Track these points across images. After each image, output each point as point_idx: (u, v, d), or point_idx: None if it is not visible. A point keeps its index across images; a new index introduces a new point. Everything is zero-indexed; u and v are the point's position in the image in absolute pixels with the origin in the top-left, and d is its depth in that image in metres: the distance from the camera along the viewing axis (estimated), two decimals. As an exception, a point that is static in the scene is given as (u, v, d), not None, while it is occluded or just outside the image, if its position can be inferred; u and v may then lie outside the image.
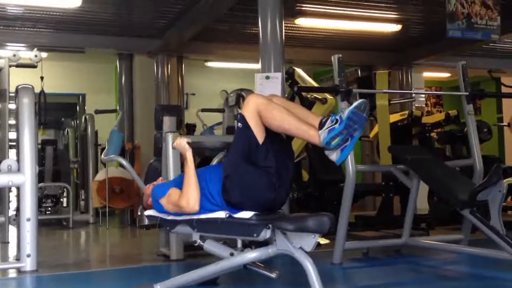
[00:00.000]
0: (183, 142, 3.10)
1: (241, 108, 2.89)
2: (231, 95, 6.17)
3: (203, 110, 7.79)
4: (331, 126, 2.66)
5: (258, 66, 5.58)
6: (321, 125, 2.69)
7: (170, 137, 4.52)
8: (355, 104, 2.67)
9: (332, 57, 4.35)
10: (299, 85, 6.05)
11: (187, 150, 3.05)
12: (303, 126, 2.73)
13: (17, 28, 7.76)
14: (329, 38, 8.86)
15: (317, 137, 2.68)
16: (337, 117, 2.67)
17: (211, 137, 5.96)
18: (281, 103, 2.87)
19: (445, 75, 12.02)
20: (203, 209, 2.91)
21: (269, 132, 2.80)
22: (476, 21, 5.94)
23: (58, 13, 7.18)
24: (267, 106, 2.77)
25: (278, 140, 2.87)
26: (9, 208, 6.15)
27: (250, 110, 2.77)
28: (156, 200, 3.10)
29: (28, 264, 4.24)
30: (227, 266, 2.94)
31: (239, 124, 2.81)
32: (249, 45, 8.11)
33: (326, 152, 2.72)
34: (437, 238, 4.92)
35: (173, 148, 3.24)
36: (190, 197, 2.91)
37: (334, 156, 2.70)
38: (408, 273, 4.22)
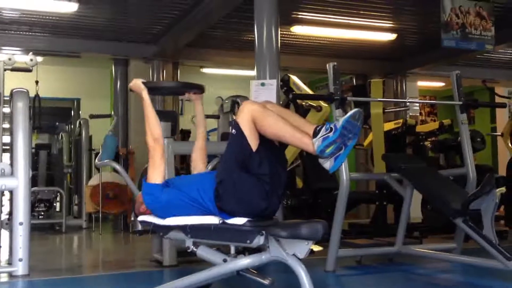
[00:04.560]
0: (138, 81, 3.24)
1: (235, 115, 2.89)
2: (226, 101, 6.18)
3: (198, 116, 7.77)
4: (326, 134, 2.66)
5: (253, 73, 5.59)
6: (315, 133, 2.70)
7: (165, 143, 4.51)
8: (350, 113, 2.67)
9: (327, 65, 4.37)
10: (294, 92, 6.07)
11: (142, 90, 3.20)
12: (297, 134, 2.73)
13: (12, 32, 7.76)
14: (325, 46, 8.90)
15: (311, 145, 2.69)
16: (332, 126, 2.67)
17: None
18: (276, 110, 2.87)
19: (440, 84, 12.08)
20: (195, 205, 2.90)
21: (263, 139, 2.80)
22: (470, 31, 5.99)
23: (54, 18, 7.19)
24: (261, 113, 2.77)
25: (271, 147, 2.87)
26: (1, 212, 6.13)
27: (244, 117, 2.77)
28: (144, 188, 3.08)
29: (20, 268, 4.22)
30: (220, 273, 2.93)
31: (233, 130, 2.81)
32: (244, 52, 8.15)
33: (320, 161, 2.72)
34: (430, 246, 4.92)
35: (130, 90, 3.30)
36: (153, 130, 3.11)
37: (328, 164, 2.71)
38: (401, 281, 4.22)
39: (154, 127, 3.11)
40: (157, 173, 3.02)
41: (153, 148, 3.07)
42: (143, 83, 3.23)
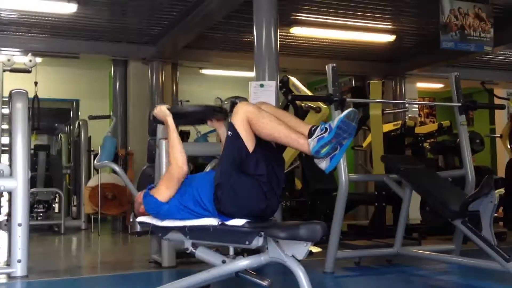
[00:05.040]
0: (163, 108, 3.15)
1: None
2: (225, 102, 6.17)
3: (197, 117, 7.78)
4: (321, 135, 2.67)
5: (252, 74, 5.59)
6: (310, 134, 2.70)
7: (163, 144, 4.52)
8: (344, 113, 2.67)
9: (326, 67, 4.37)
10: (293, 93, 6.07)
11: (167, 116, 3.10)
12: (292, 135, 2.73)
13: (11, 32, 7.75)
14: (324, 48, 8.90)
15: (307, 145, 2.69)
16: (327, 126, 2.68)
17: (204, 144, 5.96)
18: (271, 111, 2.87)
19: (438, 86, 12.09)
20: (194, 213, 2.91)
21: (260, 141, 2.80)
22: (469, 33, 5.99)
23: (53, 19, 7.18)
24: (257, 114, 2.77)
25: (268, 148, 2.87)
26: (0, 213, 6.12)
27: (239, 118, 2.77)
28: (147, 196, 3.08)
29: (18, 269, 4.22)
30: (219, 274, 2.93)
31: (229, 132, 2.81)
32: (243, 53, 8.15)
33: (316, 161, 2.72)
34: (429, 248, 4.93)
35: (154, 116, 3.24)
36: (177, 160, 2.96)
37: (323, 164, 2.71)
38: (400, 282, 4.22)
39: (179, 155, 2.98)
40: (167, 193, 3.00)
41: (172, 174, 2.98)
42: (168, 109, 3.15)
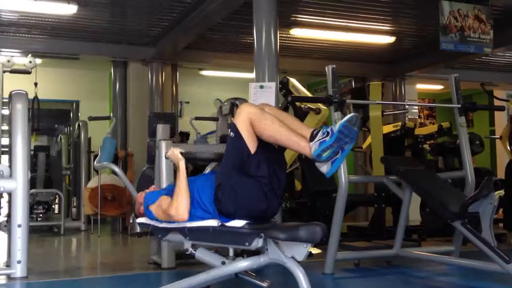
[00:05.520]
0: (176, 151, 3.12)
1: (234, 117, 2.89)
2: (225, 103, 6.18)
3: (197, 118, 7.79)
4: (322, 138, 2.67)
5: (252, 75, 5.60)
6: (312, 137, 2.70)
7: (163, 145, 4.52)
8: (346, 117, 2.67)
9: (326, 68, 4.38)
10: (293, 95, 6.08)
11: (180, 160, 3.07)
12: (294, 137, 2.73)
13: (11, 33, 7.76)
14: (323, 49, 8.90)
15: (308, 148, 2.69)
16: (329, 130, 2.68)
17: (204, 146, 5.96)
18: (274, 113, 2.87)
19: (438, 87, 12.09)
20: (195, 216, 2.91)
21: (261, 142, 2.80)
22: (469, 35, 5.99)
23: (53, 20, 7.19)
24: (259, 116, 2.77)
25: (270, 150, 2.87)
26: (0, 214, 6.12)
27: (242, 119, 2.78)
28: (147, 207, 3.11)
29: (18, 270, 4.22)
30: (219, 275, 2.94)
31: (231, 133, 2.81)
32: (243, 54, 8.15)
33: (317, 164, 2.73)
34: (429, 249, 4.93)
35: (166, 157, 3.25)
36: (179, 205, 2.92)
37: (324, 168, 2.71)
38: (399, 284, 4.22)
39: (182, 202, 2.93)
40: (163, 217, 3.03)
41: (171, 214, 2.95)
42: (182, 153, 3.13)
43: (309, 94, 6.67)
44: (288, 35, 7.92)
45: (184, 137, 8.70)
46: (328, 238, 4.17)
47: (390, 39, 8.25)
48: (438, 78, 10.42)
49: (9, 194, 4.42)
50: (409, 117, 10.05)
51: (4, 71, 4.76)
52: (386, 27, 7.83)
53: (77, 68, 10.39)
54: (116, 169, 5.50)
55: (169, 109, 8.68)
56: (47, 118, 10.67)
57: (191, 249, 3.03)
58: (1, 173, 4.32)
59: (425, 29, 7.80)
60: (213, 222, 2.83)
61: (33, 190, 7.90)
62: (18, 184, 4.31)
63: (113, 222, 8.65)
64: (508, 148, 7.75)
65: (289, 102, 5.99)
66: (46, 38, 8.00)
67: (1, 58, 4.81)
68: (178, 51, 8.36)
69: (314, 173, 6.15)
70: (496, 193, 3.72)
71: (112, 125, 7.20)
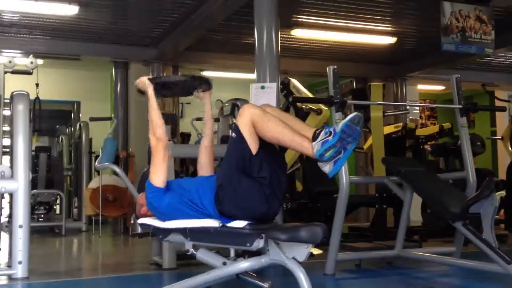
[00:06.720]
0: (143, 78, 3.17)
1: (235, 118, 2.89)
2: (226, 104, 6.19)
3: (198, 119, 7.79)
4: (325, 138, 2.66)
5: (253, 76, 5.59)
6: (314, 137, 2.70)
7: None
8: (349, 117, 2.67)
9: (327, 68, 4.38)
10: (294, 95, 6.08)
11: (148, 87, 3.11)
12: (296, 138, 2.73)
13: (12, 34, 7.76)
14: (325, 50, 8.90)
15: (311, 149, 2.68)
16: (331, 130, 2.67)
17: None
18: (276, 114, 2.87)
19: (439, 88, 12.08)
20: (195, 218, 2.91)
21: (263, 143, 2.80)
22: (470, 35, 5.99)
23: (54, 20, 7.19)
24: (262, 117, 2.77)
25: (271, 151, 2.87)
26: (1, 214, 6.13)
27: (244, 120, 2.77)
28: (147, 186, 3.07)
29: (19, 271, 4.22)
30: (220, 276, 2.93)
31: (233, 134, 2.81)
32: (244, 55, 8.15)
33: (319, 164, 2.72)
34: (430, 250, 4.92)
35: (136, 88, 3.24)
36: (156, 129, 3.00)
37: (327, 168, 2.71)
38: (400, 285, 4.22)
39: (157, 127, 3.01)
40: (158, 174, 2.98)
41: (154, 149, 3.00)
42: (149, 79, 3.16)
43: (310, 95, 6.67)
44: (289, 36, 7.92)
45: (185, 138, 8.72)
46: (329, 239, 4.17)
47: (392, 40, 8.24)
48: (439, 78, 10.41)
49: (11, 195, 4.42)
50: (410, 117, 10.05)
51: (5, 72, 4.77)
52: (387, 28, 7.83)
53: (78, 69, 10.40)
54: (117, 169, 5.51)
55: (170, 110, 8.68)
56: (48, 118, 10.67)
57: (192, 249, 3.02)
58: (3, 173, 4.32)
59: (426, 29, 7.80)
60: (214, 223, 2.83)
61: (34, 191, 7.91)
62: (20, 184, 4.31)
63: (114, 223, 8.65)
64: (510, 148, 7.76)
65: (290, 103, 5.99)
66: (47, 39, 8.00)
67: (2, 58, 4.82)
68: (179, 52, 8.36)
69: (315, 173, 6.17)
70: (497, 194, 3.71)
71: (113, 126, 7.22)
